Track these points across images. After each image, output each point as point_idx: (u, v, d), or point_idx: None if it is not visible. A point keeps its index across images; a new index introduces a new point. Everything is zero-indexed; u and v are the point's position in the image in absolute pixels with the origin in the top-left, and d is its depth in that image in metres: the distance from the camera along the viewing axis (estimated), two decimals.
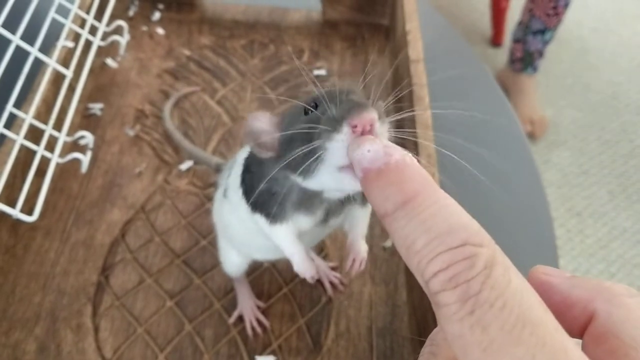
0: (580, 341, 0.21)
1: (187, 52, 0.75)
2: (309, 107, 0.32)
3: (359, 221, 0.42)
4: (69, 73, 0.61)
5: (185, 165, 0.63)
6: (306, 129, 0.30)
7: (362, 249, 0.42)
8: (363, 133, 0.27)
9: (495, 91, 0.78)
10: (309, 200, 0.37)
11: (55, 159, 0.57)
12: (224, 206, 0.46)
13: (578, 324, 0.22)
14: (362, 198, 0.38)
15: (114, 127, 0.66)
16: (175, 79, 0.72)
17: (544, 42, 1.63)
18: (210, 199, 0.60)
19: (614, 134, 1.67)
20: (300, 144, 0.30)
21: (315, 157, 0.29)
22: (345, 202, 0.38)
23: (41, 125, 0.56)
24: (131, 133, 0.66)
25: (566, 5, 1.58)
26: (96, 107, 0.67)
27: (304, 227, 0.39)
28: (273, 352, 0.50)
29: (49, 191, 0.59)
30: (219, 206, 0.49)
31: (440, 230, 0.20)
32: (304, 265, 0.40)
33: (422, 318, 0.49)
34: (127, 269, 0.55)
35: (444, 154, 0.59)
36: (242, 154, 0.43)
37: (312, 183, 0.32)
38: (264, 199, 0.38)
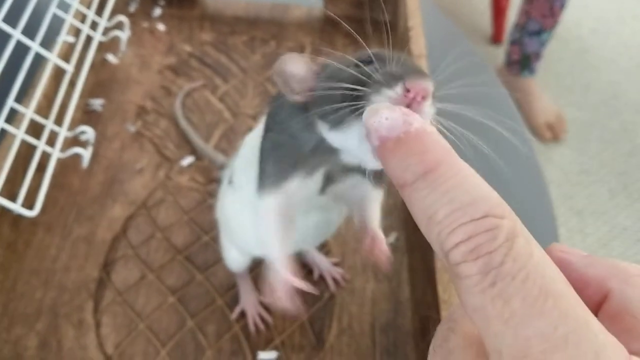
0: None
1: (188, 49, 0.75)
2: (360, 63, 0.30)
3: (371, 208, 0.40)
4: (69, 68, 0.60)
5: (187, 161, 0.62)
6: (357, 78, 0.28)
7: (379, 234, 0.40)
8: (412, 102, 0.26)
9: (497, 88, 0.78)
10: (314, 158, 0.35)
11: (56, 153, 0.56)
12: (227, 195, 0.46)
13: (593, 302, 0.22)
14: (375, 177, 0.34)
15: (115, 123, 0.66)
16: (176, 75, 0.72)
17: (540, 43, 1.63)
18: (212, 195, 0.60)
19: (614, 133, 1.66)
20: (343, 93, 0.29)
21: (354, 106, 0.28)
22: (350, 171, 0.36)
23: (42, 120, 0.56)
24: (132, 129, 0.65)
25: (562, 6, 1.57)
26: (97, 103, 0.67)
27: (298, 194, 0.37)
28: (276, 348, 0.50)
29: (50, 187, 0.58)
30: (222, 199, 0.49)
31: (462, 201, 0.19)
32: (283, 269, 0.37)
33: (425, 315, 0.49)
34: (128, 265, 0.55)
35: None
36: (251, 137, 0.42)
37: (337, 137, 0.31)
38: (267, 152, 0.36)
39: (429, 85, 0.27)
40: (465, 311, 0.19)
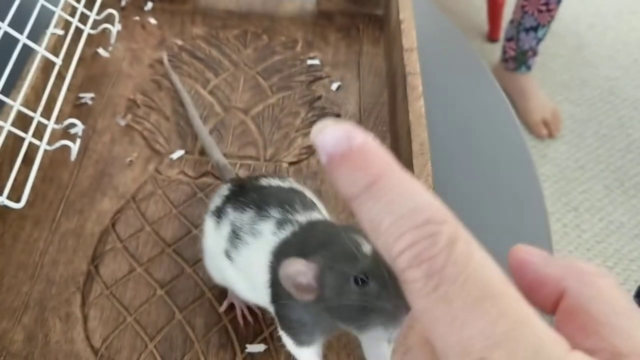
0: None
1: (179, 42, 0.74)
2: (361, 278, 0.36)
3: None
4: (58, 61, 0.60)
5: (177, 154, 0.62)
6: (363, 305, 0.35)
7: None
8: None
9: (491, 83, 0.77)
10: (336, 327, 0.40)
11: (43, 146, 0.56)
12: (224, 261, 0.47)
13: (550, 300, 0.22)
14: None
15: (105, 117, 0.66)
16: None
17: (537, 39, 1.62)
18: (201, 188, 0.59)
19: (610, 128, 1.66)
20: (355, 310, 0.36)
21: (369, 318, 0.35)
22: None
23: (30, 113, 0.55)
24: (122, 123, 0.65)
25: (558, 1, 1.57)
26: (87, 97, 0.67)
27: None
28: (264, 341, 0.50)
29: (39, 180, 0.58)
30: (213, 242, 0.49)
31: (404, 210, 0.20)
32: None
33: None
34: (117, 258, 0.54)
35: (437, 145, 0.58)
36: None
37: (360, 331, 0.37)
38: (293, 326, 0.41)
39: None
40: (415, 314, 0.20)
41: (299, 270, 0.37)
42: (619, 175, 1.56)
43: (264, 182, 0.48)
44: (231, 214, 0.46)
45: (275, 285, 0.41)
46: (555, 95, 1.72)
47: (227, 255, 0.45)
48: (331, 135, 0.22)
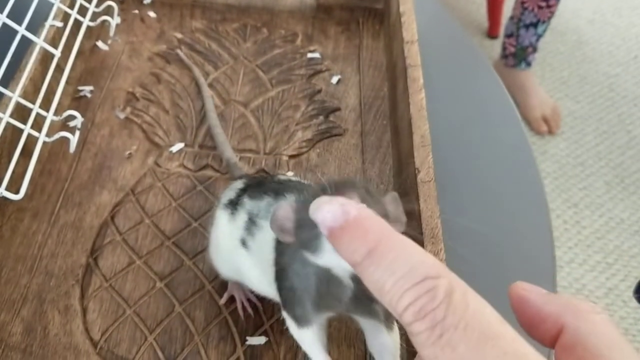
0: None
1: (178, 36, 0.74)
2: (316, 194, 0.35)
3: (387, 350, 0.42)
4: (57, 52, 0.60)
5: (176, 147, 0.62)
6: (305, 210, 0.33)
7: None
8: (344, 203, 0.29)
9: (491, 76, 0.77)
10: (328, 295, 0.39)
11: (42, 138, 0.56)
12: (239, 250, 0.46)
13: (550, 335, 0.25)
14: (386, 314, 0.40)
15: (104, 110, 0.65)
16: (166, 62, 0.71)
17: (537, 35, 1.62)
18: (201, 181, 0.59)
19: (610, 125, 1.66)
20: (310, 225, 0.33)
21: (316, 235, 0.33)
22: (365, 304, 0.39)
23: (28, 104, 0.55)
24: (121, 116, 0.65)
25: None
26: (86, 90, 0.66)
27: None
28: (265, 333, 0.49)
29: (37, 173, 0.58)
30: (227, 234, 0.48)
31: (403, 270, 0.23)
32: None
33: None
34: (116, 251, 0.54)
35: (438, 137, 0.58)
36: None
37: (320, 259, 0.34)
38: (290, 296, 0.40)
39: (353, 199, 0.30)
40: None
41: (285, 215, 0.36)
42: (619, 172, 1.56)
43: (282, 177, 0.49)
44: (248, 204, 0.46)
45: (278, 260, 0.41)
46: (555, 91, 1.72)
47: (244, 243, 0.45)
48: (328, 211, 0.25)
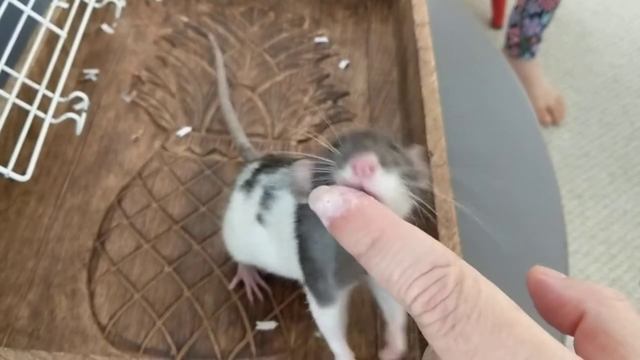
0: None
1: (184, 19, 0.73)
2: (331, 148, 0.32)
3: (396, 312, 0.42)
4: (63, 33, 0.59)
5: (184, 131, 0.61)
6: (321, 166, 0.31)
7: (399, 344, 0.42)
8: (364, 174, 0.27)
9: (500, 61, 0.76)
10: (346, 261, 0.37)
11: (48, 119, 0.55)
12: (255, 228, 0.44)
13: (569, 320, 0.24)
14: None
15: (110, 93, 0.64)
16: (172, 45, 0.70)
17: (541, 25, 1.61)
18: (209, 165, 0.58)
19: (614, 116, 1.65)
20: (316, 180, 0.32)
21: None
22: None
23: (34, 85, 0.54)
24: (127, 99, 0.64)
25: None
26: (91, 73, 0.65)
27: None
28: (275, 318, 0.49)
29: (43, 156, 0.57)
30: (242, 214, 0.46)
31: (410, 260, 0.22)
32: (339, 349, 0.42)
33: None
34: (123, 235, 0.53)
35: (451, 122, 0.57)
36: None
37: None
38: (311, 269, 0.39)
39: (369, 157, 0.28)
40: (436, 353, 0.21)
41: (303, 176, 0.34)
42: (622, 163, 1.55)
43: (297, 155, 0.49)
44: (264, 179, 0.44)
45: (298, 230, 0.40)
46: (558, 83, 1.71)
47: (260, 219, 0.44)
48: (328, 200, 0.25)
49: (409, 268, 0.22)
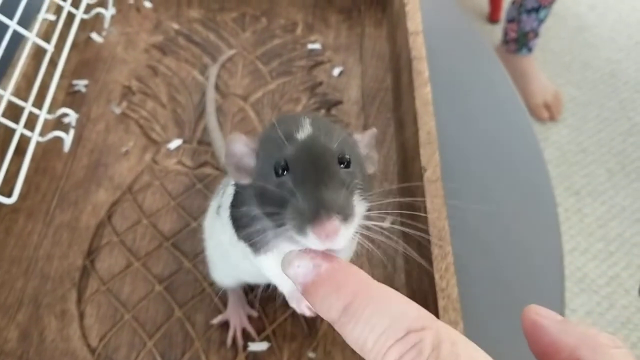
0: None
1: (175, 26, 0.72)
2: (280, 170, 0.31)
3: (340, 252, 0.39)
4: (50, 47, 0.58)
5: (174, 144, 0.60)
6: (275, 201, 0.30)
7: None
8: (328, 239, 0.27)
9: (496, 66, 0.75)
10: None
11: (35, 137, 0.54)
12: (216, 224, 0.43)
13: None
14: None
15: (100, 105, 0.63)
16: (163, 54, 0.69)
17: (538, 20, 1.60)
18: (200, 179, 0.57)
19: (612, 111, 1.64)
20: (270, 202, 0.31)
21: (283, 215, 0.29)
22: None
23: (21, 103, 0.53)
24: (117, 110, 0.63)
25: None
26: (81, 84, 0.64)
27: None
28: (267, 338, 0.48)
29: (31, 171, 0.56)
30: (211, 222, 0.46)
31: (384, 325, 0.21)
32: (296, 298, 0.38)
33: (422, 300, 0.47)
34: (113, 253, 0.52)
35: (444, 132, 0.56)
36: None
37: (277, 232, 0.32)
38: (245, 224, 0.36)
39: (334, 224, 0.27)
40: None
41: (243, 151, 0.34)
42: (620, 159, 1.54)
43: None
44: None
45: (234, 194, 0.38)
46: (556, 78, 1.70)
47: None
48: (298, 265, 0.24)
49: (383, 334, 0.21)
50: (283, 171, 0.30)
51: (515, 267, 0.56)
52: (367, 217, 0.31)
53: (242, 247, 0.37)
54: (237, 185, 0.37)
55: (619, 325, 1.27)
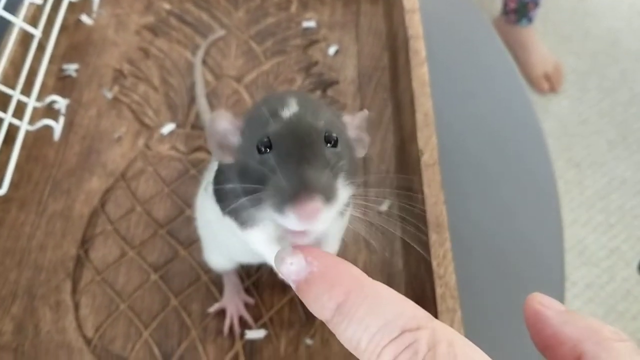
0: None
1: (167, 6, 0.70)
2: (263, 147, 0.30)
3: (330, 237, 0.38)
4: (37, 32, 0.56)
5: (167, 128, 0.59)
6: (256, 179, 0.29)
7: None
8: (309, 219, 0.26)
9: (493, 39, 0.74)
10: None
11: (24, 127, 0.53)
12: (206, 202, 0.42)
13: None
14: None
15: (91, 89, 0.62)
16: (154, 35, 0.67)
17: None
18: (194, 164, 0.57)
19: (613, 81, 1.62)
20: (251, 180, 0.29)
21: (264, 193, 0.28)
22: None
23: (9, 91, 0.52)
24: (109, 95, 0.62)
25: None
26: (71, 68, 0.63)
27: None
28: (264, 326, 0.48)
29: (22, 159, 0.55)
30: (201, 200, 0.45)
31: (378, 324, 0.21)
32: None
33: (420, 287, 0.46)
34: (107, 242, 0.52)
35: (441, 112, 0.55)
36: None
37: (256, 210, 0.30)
38: (230, 200, 0.34)
39: (314, 204, 0.26)
40: None
41: (227, 129, 0.33)
42: (621, 130, 1.53)
43: None
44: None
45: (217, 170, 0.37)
46: (556, 48, 1.68)
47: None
48: (291, 263, 0.24)
49: (377, 334, 0.20)
50: (266, 148, 0.29)
51: (515, 243, 0.55)
52: (364, 199, 0.31)
53: (229, 223, 0.36)
54: (220, 162, 0.36)
55: (619, 298, 1.27)
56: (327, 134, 0.30)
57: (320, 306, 0.22)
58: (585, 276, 1.30)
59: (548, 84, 1.59)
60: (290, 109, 0.31)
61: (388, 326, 0.20)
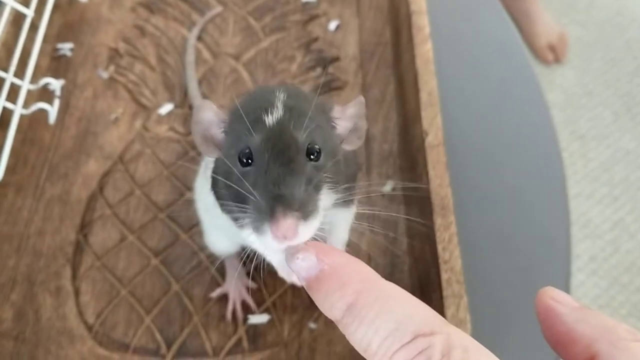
0: None
1: None
2: (244, 159, 0.30)
3: (338, 227, 0.38)
4: (29, 12, 0.55)
5: (165, 108, 0.58)
6: (238, 194, 0.30)
7: None
8: (287, 238, 0.26)
9: (497, 10, 0.72)
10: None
11: (19, 110, 0.52)
12: (205, 186, 0.41)
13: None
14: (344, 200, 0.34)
15: (86, 69, 0.61)
16: (150, 12, 0.66)
17: None
18: (193, 146, 0.56)
19: (618, 51, 1.60)
20: (234, 191, 0.30)
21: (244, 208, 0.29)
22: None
23: (1, 74, 0.51)
24: (105, 75, 0.60)
25: None
26: (66, 48, 0.62)
27: None
28: (267, 310, 0.47)
29: (18, 143, 0.54)
30: (200, 185, 0.44)
31: (389, 328, 0.20)
32: (284, 269, 0.37)
33: (424, 269, 0.45)
34: (107, 226, 0.51)
35: (446, 89, 0.54)
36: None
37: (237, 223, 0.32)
38: (224, 196, 0.34)
39: (290, 223, 0.26)
40: None
41: (211, 120, 0.33)
42: (626, 100, 1.51)
43: None
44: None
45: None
46: (561, 17, 1.65)
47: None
48: (302, 259, 0.23)
49: (388, 337, 0.20)
50: (247, 160, 0.30)
51: (521, 217, 0.54)
52: (366, 191, 0.31)
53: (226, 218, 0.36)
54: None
55: (622, 270, 1.27)
56: (309, 146, 0.30)
57: (330, 305, 0.22)
58: (589, 249, 1.29)
59: (552, 55, 1.56)
60: (274, 114, 0.31)
61: (400, 330, 0.20)
